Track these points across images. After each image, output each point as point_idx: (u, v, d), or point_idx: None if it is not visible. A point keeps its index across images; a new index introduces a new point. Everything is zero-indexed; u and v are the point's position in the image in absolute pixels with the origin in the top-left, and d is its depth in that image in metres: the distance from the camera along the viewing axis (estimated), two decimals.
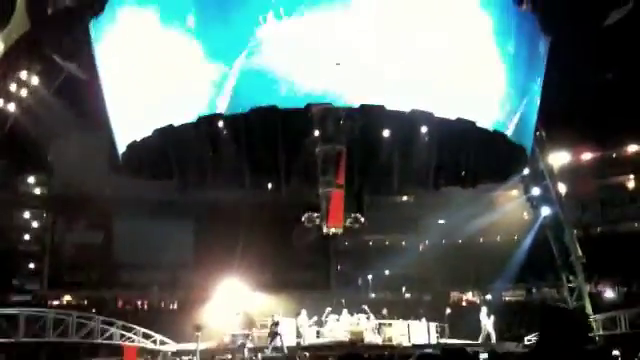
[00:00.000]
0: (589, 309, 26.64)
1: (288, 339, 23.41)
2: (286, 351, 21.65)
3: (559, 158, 31.16)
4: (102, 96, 22.62)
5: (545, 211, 28.38)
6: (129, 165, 23.93)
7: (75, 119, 26.71)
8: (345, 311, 25.06)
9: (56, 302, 31.94)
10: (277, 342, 22.26)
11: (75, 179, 30.56)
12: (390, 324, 24.93)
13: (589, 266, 27.60)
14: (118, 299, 33.34)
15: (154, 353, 23.44)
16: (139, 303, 33.54)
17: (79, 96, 25.56)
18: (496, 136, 20.95)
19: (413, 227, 35.52)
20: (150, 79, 20.10)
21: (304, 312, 24.44)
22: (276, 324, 22.70)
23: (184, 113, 19.63)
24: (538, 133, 26.33)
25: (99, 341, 22.90)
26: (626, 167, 34.96)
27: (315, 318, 24.26)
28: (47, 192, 35.28)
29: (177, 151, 21.74)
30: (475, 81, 19.87)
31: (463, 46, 19.44)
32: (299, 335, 24.13)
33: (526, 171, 28.12)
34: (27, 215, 34.84)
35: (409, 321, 25.33)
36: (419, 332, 24.58)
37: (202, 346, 22.68)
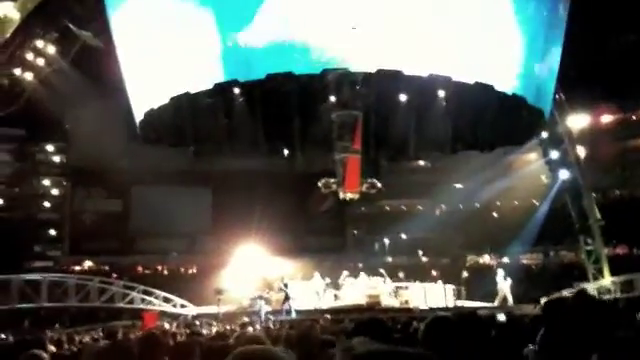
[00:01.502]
0: (606, 272, 26.67)
1: (305, 302, 23.69)
2: (294, 314, 21.81)
3: (578, 121, 30.79)
4: (118, 65, 22.64)
5: (563, 175, 28.21)
6: (146, 133, 24.06)
7: (92, 88, 26.79)
8: (362, 274, 25.25)
9: (77, 268, 32.47)
10: (286, 305, 22.50)
11: (93, 148, 30.75)
12: (407, 287, 25.10)
13: (607, 230, 27.55)
14: (138, 265, 33.82)
15: (174, 316, 23.86)
16: (159, 268, 34.03)
17: (95, 65, 25.61)
18: (514, 100, 20.75)
19: (430, 192, 35.40)
20: (165, 47, 20.08)
21: (317, 275, 24.64)
22: (285, 286, 22.92)
23: (200, 81, 19.64)
24: (557, 96, 26.02)
25: (120, 305, 23.35)
26: None
27: (328, 280, 24.39)
28: (65, 160, 35.62)
29: (194, 119, 21.77)
30: (493, 44, 19.61)
31: (481, 8, 19.15)
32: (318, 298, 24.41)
33: (545, 134, 27.89)
34: (47, 183, 35.27)
35: (426, 284, 25.51)
36: (436, 295, 24.75)
37: (223, 309, 23.09)
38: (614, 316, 3.97)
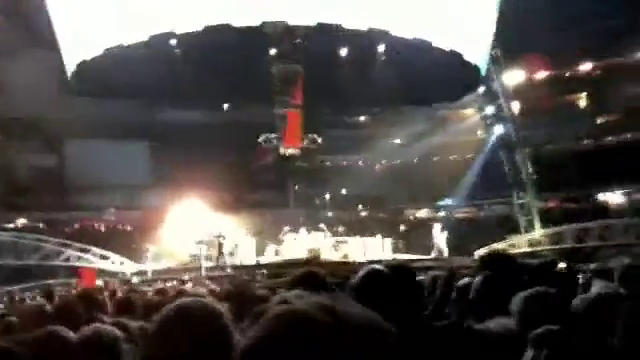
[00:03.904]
0: (537, 224, 27.72)
1: (247, 258, 23.82)
2: (229, 270, 21.92)
3: (513, 77, 31.47)
4: (49, 15, 21.66)
5: (498, 130, 28.93)
6: (80, 85, 23.29)
7: (23, 39, 25.60)
8: (303, 229, 25.48)
9: (10, 225, 31.55)
10: (221, 261, 22.66)
11: (25, 100, 29.52)
12: (346, 241, 25.49)
13: (539, 183, 28.56)
14: (73, 222, 33.10)
15: (112, 274, 23.57)
16: (95, 225, 33.41)
17: (26, 15, 24.42)
18: (452, 55, 20.99)
19: (370, 147, 35.75)
20: None
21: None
22: (221, 242, 23.02)
23: (136, 32, 19.03)
24: (493, 51, 26.43)
25: (56, 263, 22.90)
26: (579, 85, 35.53)
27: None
28: None
29: (130, 71, 21.16)
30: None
31: None
32: (258, 254, 24.57)
33: (481, 90, 28.40)
34: None
35: (365, 238, 25.94)
36: (374, 248, 25.24)
37: (163, 266, 22.97)
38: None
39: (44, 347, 2.42)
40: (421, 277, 5.41)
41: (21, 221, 32.70)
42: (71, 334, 2.58)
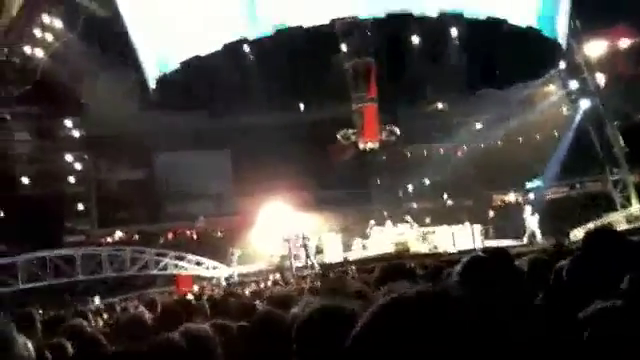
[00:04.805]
0: (634, 199, 26.42)
1: (334, 255, 23.93)
2: (317, 267, 22.04)
3: (596, 48, 30.04)
4: (127, 33, 22.52)
5: (584, 104, 27.79)
6: (160, 99, 24.09)
7: (103, 58, 26.71)
8: (389, 223, 25.32)
9: (109, 240, 33.01)
10: (306, 258, 22.83)
11: (111, 118, 30.81)
12: (434, 232, 25.14)
13: (632, 156, 27.16)
14: (167, 231, 34.25)
15: (207, 279, 24.26)
16: (187, 233, 34.43)
17: (104, 35, 25.48)
18: (529, 33, 20.30)
19: (450, 134, 35.05)
20: (171, 11, 19.88)
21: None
22: (305, 239, 23.19)
23: (210, 42, 19.48)
24: (572, 24, 25.36)
25: (154, 272, 23.80)
26: None
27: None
28: (85, 134, 35.79)
29: (207, 81, 21.72)
30: None
31: None
32: (345, 250, 24.63)
33: (562, 65, 27.32)
34: (69, 158, 35.56)
35: (453, 227, 25.49)
36: (464, 237, 24.76)
37: (255, 268, 23.46)
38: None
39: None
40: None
41: (118, 234, 34.14)
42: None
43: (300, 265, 22.71)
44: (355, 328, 1.17)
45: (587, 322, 2.51)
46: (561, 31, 22.88)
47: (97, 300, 20.48)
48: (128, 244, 27.91)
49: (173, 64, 20.84)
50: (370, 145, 24.68)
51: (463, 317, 1.11)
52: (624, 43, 33.78)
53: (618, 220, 25.43)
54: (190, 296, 12.87)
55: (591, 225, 22.25)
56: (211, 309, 5.76)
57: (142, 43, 22.26)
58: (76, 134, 35.99)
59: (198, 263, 24.61)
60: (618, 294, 2.70)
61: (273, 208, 27.88)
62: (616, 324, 2.41)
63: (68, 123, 35.74)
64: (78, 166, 35.56)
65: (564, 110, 32.52)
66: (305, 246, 23.21)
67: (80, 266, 22.40)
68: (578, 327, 2.52)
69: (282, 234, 24.14)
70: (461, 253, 20.75)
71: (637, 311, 2.44)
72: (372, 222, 25.46)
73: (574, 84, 28.14)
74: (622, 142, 27.01)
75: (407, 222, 25.17)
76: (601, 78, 28.97)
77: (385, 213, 27.36)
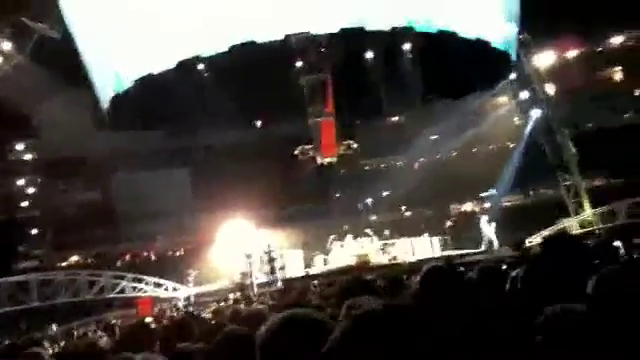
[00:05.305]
0: (587, 204, 27.10)
1: (296, 270, 23.88)
2: (280, 284, 21.99)
3: (545, 59, 30.88)
4: (79, 54, 22.21)
5: (535, 113, 28.48)
6: (115, 119, 23.77)
7: (55, 80, 26.25)
8: (349, 236, 25.42)
9: (64, 264, 32.28)
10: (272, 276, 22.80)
11: (64, 140, 30.28)
12: (394, 243, 25.36)
13: (583, 163, 27.93)
14: (125, 253, 33.66)
15: (167, 300, 23.92)
16: (145, 254, 33.90)
17: (56, 56, 25.05)
18: (479, 44, 20.75)
19: (406, 147, 35.46)
20: (121, 30, 19.68)
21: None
22: (271, 253, 23.17)
23: (163, 60, 19.35)
24: (521, 36, 26.04)
25: (112, 296, 23.33)
26: (612, 60, 34.69)
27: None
28: (37, 157, 35.03)
29: (161, 99, 21.52)
30: None
31: None
32: (307, 266, 24.62)
33: (513, 76, 27.99)
34: (22, 182, 34.74)
35: (412, 238, 25.77)
36: (423, 247, 25.06)
37: (215, 287, 23.20)
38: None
39: None
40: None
41: (74, 258, 33.43)
42: None
43: (262, 281, 22.58)
44: (333, 335, 1.20)
45: (545, 325, 2.54)
46: (511, 42, 23.45)
47: (54, 327, 19.94)
48: (84, 267, 27.34)
49: (127, 83, 20.59)
50: (328, 160, 24.79)
51: (417, 328, 1.16)
52: (572, 53, 34.85)
53: (572, 225, 26.06)
54: (149, 319, 12.64)
55: (546, 232, 22.78)
56: (172, 332, 5.68)
57: (94, 62, 21.97)
58: (28, 157, 35.22)
59: (157, 285, 24.25)
60: (581, 297, 2.73)
61: (234, 226, 27.70)
62: (577, 327, 2.44)
63: (19, 147, 34.96)
64: (31, 190, 34.75)
65: (516, 120, 33.27)
66: (271, 260, 23.12)
67: (35, 292, 21.83)
68: (533, 329, 2.55)
69: (244, 250, 23.98)
70: (421, 262, 20.99)
71: (600, 314, 2.49)
72: (332, 237, 25.53)
73: (525, 94, 28.83)
74: (573, 149, 27.75)
75: (368, 235, 25.31)
76: (550, 88, 29.76)
77: (345, 227, 27.46)
